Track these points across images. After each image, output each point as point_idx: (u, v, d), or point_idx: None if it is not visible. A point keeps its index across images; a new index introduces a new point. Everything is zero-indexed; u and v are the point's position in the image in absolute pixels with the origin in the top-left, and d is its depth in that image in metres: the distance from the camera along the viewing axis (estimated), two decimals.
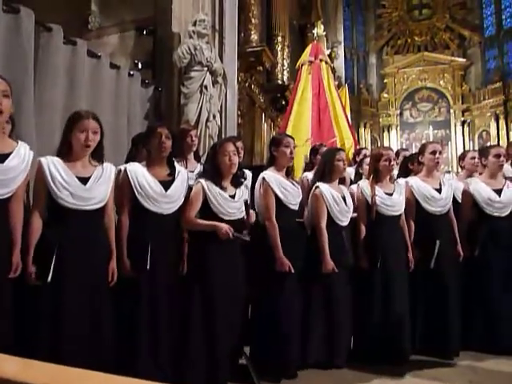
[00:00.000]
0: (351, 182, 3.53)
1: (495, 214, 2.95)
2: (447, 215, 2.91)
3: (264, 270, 2.44)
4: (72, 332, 1.84)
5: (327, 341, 2.53)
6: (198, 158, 2.88)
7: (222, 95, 4.15)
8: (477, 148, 11.08)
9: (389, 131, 15.23)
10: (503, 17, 14.78)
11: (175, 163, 2.31)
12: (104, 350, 1.95)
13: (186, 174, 2.32)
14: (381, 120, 15.37)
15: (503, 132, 13.48)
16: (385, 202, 2.73)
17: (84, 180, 1.94)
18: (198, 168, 2.67)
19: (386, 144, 14.20)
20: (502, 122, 13.65)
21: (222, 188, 2.26)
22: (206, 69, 3.87)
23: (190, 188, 2.31)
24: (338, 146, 4.38)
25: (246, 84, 6.78)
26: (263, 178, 2.48)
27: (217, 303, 2.19)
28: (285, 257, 2.38)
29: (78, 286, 1.88)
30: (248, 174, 3.11)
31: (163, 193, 2.16)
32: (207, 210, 2.24)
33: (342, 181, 2.80)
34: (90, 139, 1.93)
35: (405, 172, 3.36)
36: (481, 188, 2.98)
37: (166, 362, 2.11)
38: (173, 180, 2.23)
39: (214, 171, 2.29)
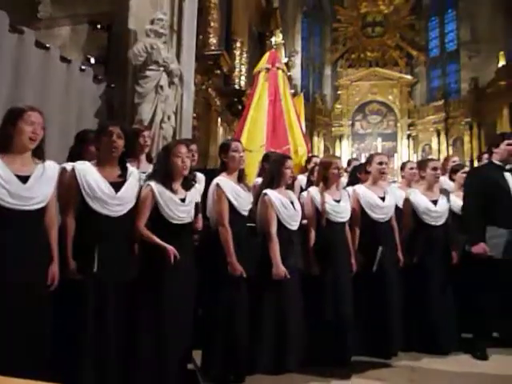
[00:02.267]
0: (302, 189, 3.63)
1: (432, 223, 3.15)
2: (389, 222, 3.07)
3: (216, 274, 2.44)
4: (7, 339, 1.74)
5: (278, 344, 2.55)
6: (150, 160, 2.83)
7: (177, 96, 4.12)
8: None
9: (341, 141, 15.81)
10: (446, 40, 15.91)
11: (128, 164, 2.25)
12: (43, 357, 1.86)
13: (138, 174, 2.27)
14: (333, 129, 15.93)
15: (443, 147, 14.51)
16: (334, 209, 2.84)
17: (23, 178, 1.84)
18: (150, 170, 2.63)
19: (337, 153, 14.72)
20: (442, 137, 14.69)
21: (173, 191, 2.23)
22: (162, 69, 3.82)
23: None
24: (292, 153, 4.47)
25: (203, 87, 6.76)
26: (217, 185, 2.48)
27: (167, 307, 2.15)
28: (238, 261, 2.39)
29: (14, 289, 1.78)
30: (201, 177, 3.10)
31: (113, 195, 2.10)
32: (157, 215, 2.20)
33: (289, 186, 2.86)
34: (37, 133, 1.85)
35: (354, 180, 3.52)
36: (420, 198, 3.19)
37: (113, 368, 2.04)
38: (124, 181, 2.17)
39: (165, 173, 2.25)
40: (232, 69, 8.04)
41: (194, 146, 3.55)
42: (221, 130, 7.84)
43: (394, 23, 16.25)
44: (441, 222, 3.17)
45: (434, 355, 2.96)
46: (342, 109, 16.07)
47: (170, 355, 2.13)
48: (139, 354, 2.09)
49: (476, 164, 8.50)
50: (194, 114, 5.50)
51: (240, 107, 7.85)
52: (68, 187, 2.07)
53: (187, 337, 2.26)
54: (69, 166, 2.14)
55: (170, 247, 2.14)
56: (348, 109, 16.02)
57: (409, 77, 15.95)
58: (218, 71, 7.08)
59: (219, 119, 7.80)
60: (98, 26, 4.16)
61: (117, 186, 2.13)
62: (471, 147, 13.47)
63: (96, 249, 2.01)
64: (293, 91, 11.94)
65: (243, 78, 8.20)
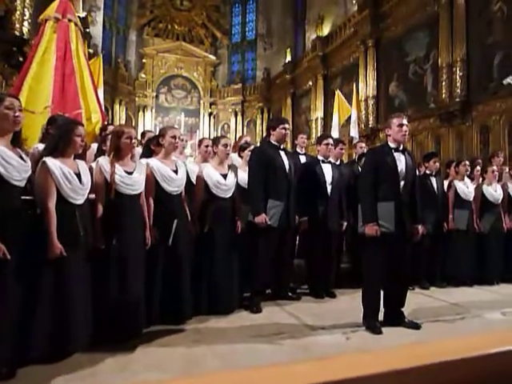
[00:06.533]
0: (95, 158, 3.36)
1: (221, 196, 3.42)
2: (182, 195, 3.18)
3: None
4: None
5: (58, 329, 2.31)
6: None
7: None
8: None
9: (144, 112, 15.40)
10: (246, 29, 17.32)
11: None
12: None
13: None
14: (137, 99, 15.35)
15: (240, 127, 16.00)
16: (124, 181, 2.72)
17: None
18: None
19: (140, 124, 14.33)
20: (239, 117, 16.18)
21: None
22: None
23: None
24: (84, 119, 4.06)
25: None
26: None
27: None
28: (4, 240, 2.03)
29: None
30: None
31: None
32: None
33: (80, 156, 2.59)
34: None
35: (148, 152, 3.47)
36: (211, 173, 3.41)
37: None
38: None
39: None
40: (11, 10, 6.64)
41: None
42: None
43: (201, 1, 16.60)
44: (229, 194, 3.47)
45: (220, 315, 3.25)
46: (147, 79, 15.61)
47: None
48: None
49: None
50: None
51: (21, 59, 6.61)
52: None
53: None
54: None
55: None
56: (153, 80, 15.67)
57: (213, 57, 16.72)
58: None
59: None
60: None
61: None
62: (262, 129, 15.31)
63: None
64: (91, 51, 10.85)
65: (26, 24, 6.89)
